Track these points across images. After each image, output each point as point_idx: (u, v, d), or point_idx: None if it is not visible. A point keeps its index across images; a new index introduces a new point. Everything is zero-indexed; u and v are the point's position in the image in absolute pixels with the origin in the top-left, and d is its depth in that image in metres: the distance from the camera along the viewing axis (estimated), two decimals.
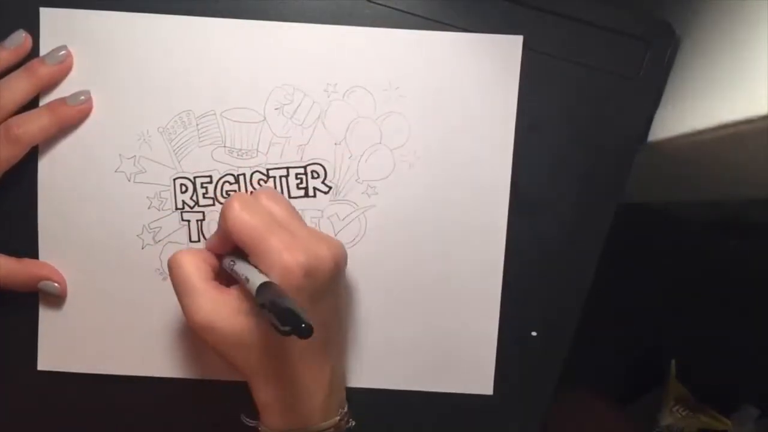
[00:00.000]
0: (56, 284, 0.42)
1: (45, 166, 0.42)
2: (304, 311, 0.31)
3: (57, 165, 0.42)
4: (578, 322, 0.44)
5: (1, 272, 0.41)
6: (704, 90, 0.38)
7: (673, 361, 0.88)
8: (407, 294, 0.43)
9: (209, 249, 0.40)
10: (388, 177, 0.43)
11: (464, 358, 0.44)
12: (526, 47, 0.41)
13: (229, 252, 0.39)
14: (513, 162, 0.42)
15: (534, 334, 0.44)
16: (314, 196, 0.43)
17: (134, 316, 0.44)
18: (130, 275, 0.43)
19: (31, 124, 0.40)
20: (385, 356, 0.44)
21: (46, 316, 0.44)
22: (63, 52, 0.41)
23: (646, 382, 0.91)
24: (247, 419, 0.40)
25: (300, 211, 0.43)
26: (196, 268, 0.37)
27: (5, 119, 0.40)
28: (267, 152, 0.42)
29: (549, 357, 0.44)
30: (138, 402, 0.45)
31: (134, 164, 0.42)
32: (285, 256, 0.35)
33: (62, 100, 0.41)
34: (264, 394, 0.38)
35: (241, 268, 0.37)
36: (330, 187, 0.43)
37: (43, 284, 0.42)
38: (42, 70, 0.41)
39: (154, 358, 0.44)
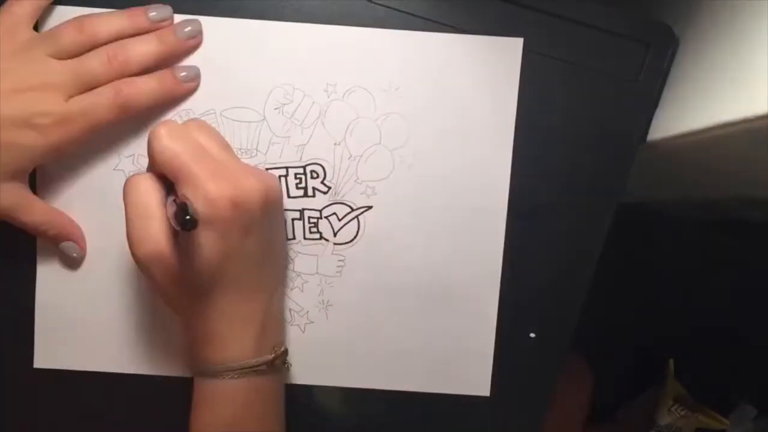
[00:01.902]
0: (79, 248, 0.42)
1: (43, 163, 0.42)
2: (194, 211, 0.32)
3: (55, 163, 0.42)
4: (577, 322, 0.44)
5: (38, 219, 0.40)
6: (703, 90, 0.38)
7: (671, 361, 0.88)
8: (405, 295, 0.43)
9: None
10: (388, 177, 0.43)
11: (462, 360, 0.44)
12: (527, 49, 0.41)
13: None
14: (512, 163, 0.42)
15: (532, 335, 0.44)
16: (313, 195, 0.43)
17: (131, 314, 0.44)
18: (128, 273, 0.43)
19: (141, 94, 0.39)
20: (382, 357, 0.44)
21: (42, 314, 0.44)
22: (189, 28, 0.40)
23: (645, 381, 0.91)
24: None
25: (299, 212, 0.43)
26: (155, 196, 0.36)
27: (122, 77, 0.39)
28: (266, 152, 0.42)
29: (547, 358, 0.44)
30: (135, 400, 0.45)
31: (133, 162, 0.42)
32: (210, 186, 0.34)
33: (171, 73, 0.40)
34: (192, 331, 0.38)
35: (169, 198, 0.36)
36: (329, 187, 0.43)
37: (66, 245, 0.42)
38: (172, 41, 0.40)
39: (152, 356, 0.44)
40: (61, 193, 0.42)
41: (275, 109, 0.42)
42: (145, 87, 0.39)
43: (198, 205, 0.34)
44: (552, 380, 0.44)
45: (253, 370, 0.37)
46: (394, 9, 0.41)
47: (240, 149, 0.42)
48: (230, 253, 0.36)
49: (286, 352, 0.40)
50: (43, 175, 0.42)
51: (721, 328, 0.89)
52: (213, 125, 0.42)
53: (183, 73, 0.41)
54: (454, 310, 0.44)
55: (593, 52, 0.42)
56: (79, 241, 0.42)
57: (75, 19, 0.39)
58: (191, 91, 0.41)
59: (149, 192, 0.36)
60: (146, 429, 0.46)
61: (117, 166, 0.42)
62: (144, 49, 0.39)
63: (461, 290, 0.43)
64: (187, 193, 0.35)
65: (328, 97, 0.42)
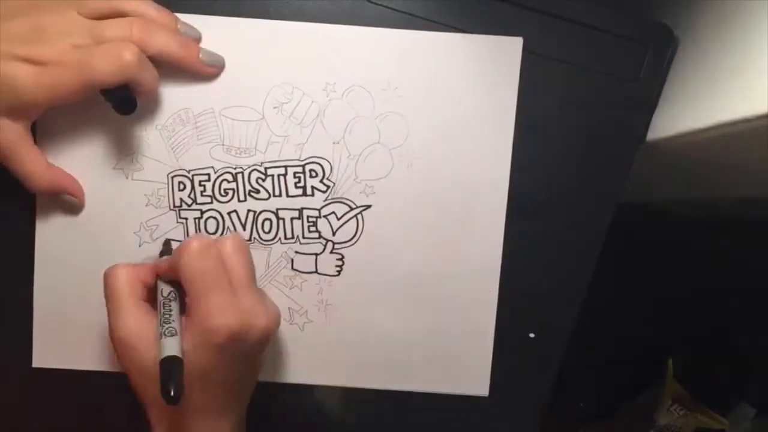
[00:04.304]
0: (77, 200, 0.42)
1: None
2: (179, 380, 0.33)
3: (55, 161, 0.42)
4: (576, 322, 0.44)
5: (33, 168, 0.39)
6: (702, 89, 0.38)
7: (670, 361, 0.88)
8: (403, 294, 0.43)
9: (155, 268, 0.39)
10: (386, 177, 0.42)
11: (460, 359, 0.44)
12: (526, 49, 0.41)
13: (169, 278, 0.38)
14: (512, 163, 0.42)
15: (532, 335, 0.44)
16: (312, 194, 0.43)
17: None
18: None
19: (153, 42, 0.37)
20: (381, 357, 0.44)
21: (40, 313, 0.44)
22: (213, 58, 0.41)
23: (644, 381, 0.91)
24: None
25: (298, 211, 0.43)
26: (128, 285, 0.37)
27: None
28: (265, 151, 0.42)
29: (547, 358, 0.44)
30: (134, 400, 0.45)
31: (132, 161, 0.42)
32: (217, 318, 0.34)
33: (197, 48, 0.40)
34: (158, 430, 0.38)
35: (172, 306, 0.37)
36: (328, 186, 0.43)
37: (64, 197, 0.41)
38: (194, 56, 0.39)
39: None
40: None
41: (274, 108, 0.42)
42: (160, 39, 0.38)
43: (199, 328, 0.35)
44: (551, 381, 0.44)
45: None
46: (394, 9, 0.41)
47: (239, 148, 0.42)
48: (212, 375, 0.36)
49: None
50: None
51: (720, 328, 0.89)
52: (211, 124, 0.42)
53: (207, 58, 0.40)
54: (454, 310, 0.44)
55: (593, 52, 0.42)
56: (77, 193, 0.41)
57: None
58: (204, 75, 0.41)
59: (125, 282, 0.37)
60: (146, 429, 0.46)
61: (116, 165, 0.42)
62: (165, 41, 0.38)
63: (460, 290, 0.43)
64: (195, 312, 0.35)
65: (327, 96, 0.42)
